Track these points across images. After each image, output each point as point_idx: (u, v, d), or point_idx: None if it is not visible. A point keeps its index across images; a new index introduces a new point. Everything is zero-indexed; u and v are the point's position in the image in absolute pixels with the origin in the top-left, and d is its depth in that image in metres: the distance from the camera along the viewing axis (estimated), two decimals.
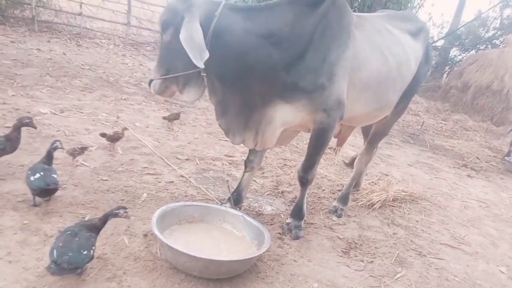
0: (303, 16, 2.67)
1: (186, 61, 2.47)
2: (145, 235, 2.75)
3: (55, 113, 4.62)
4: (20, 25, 9.42)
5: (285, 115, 2.79)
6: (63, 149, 3.16)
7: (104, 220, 2.35)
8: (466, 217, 4.52)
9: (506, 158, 7.50)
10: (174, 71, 2.65)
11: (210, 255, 2.43)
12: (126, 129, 4.19)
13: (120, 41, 10.78)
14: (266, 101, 2.74)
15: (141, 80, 7.32)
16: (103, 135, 3.99)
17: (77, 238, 2.18)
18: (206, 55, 2.36)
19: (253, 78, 2.65)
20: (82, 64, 7.34)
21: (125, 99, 5.89)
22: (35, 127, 3.40)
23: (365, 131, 4.15)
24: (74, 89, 5.73)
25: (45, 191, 2.77)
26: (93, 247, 2.23)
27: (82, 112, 4.83)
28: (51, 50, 7.87)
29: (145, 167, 3.83)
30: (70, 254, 2.12)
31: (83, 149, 3.62)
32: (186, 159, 4.27)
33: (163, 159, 4.11)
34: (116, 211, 2.36)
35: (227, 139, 3.03)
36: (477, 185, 5.93)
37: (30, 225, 2.59)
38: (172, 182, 3.68)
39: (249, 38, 2.55)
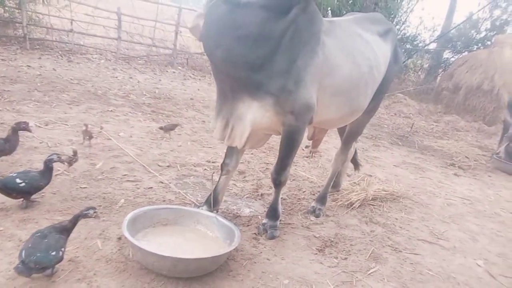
0: (272, 20, 2.76)
1: None
2: (119, 238, 2.82)
3: (39, 126, 4.71)
4: (12, 44, 9.59)
5: (254, 113, 2.85)
6: (62, 162, 3.28)
7: (74, 221, 2.43)
8: (448, 213, 4.58)
9: (494, 156, 7.54)
10: None
11: (178, 253, 2.50)
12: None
13: (112, 56, 10.92)
14: (235, 94, 2.86)
15: (129, 92, 7.42)
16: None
17: (46, 240, 2.26)
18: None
19: (219, 64, 2.82)
20: (71, 79, 7.46)
21: (111, 110, 5.99)
22: (30, 131, 3.69)
23: (341, 131, 4.22)
24: (61, 103, 5.84)
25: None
26: (62, 249, 2.30)
27: (66, 124, 4.94)
28: (41, 67, 8.01)
29: (125, 175, 3.91)
30: (38, 254, 2.19)
31: (75, 154, 3.76)
32: (168, 166, 4.35)
33: (144, 166, 4.19)
34: (85, 212, 2.46)
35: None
36: (463, 183, 5.98)
37: (5, 231, 2.67)
38: (151, 188, 3.76)
39: (219, 25, 2.69)
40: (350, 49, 3.23)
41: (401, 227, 3.94)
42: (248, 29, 2.72)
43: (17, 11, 10.01)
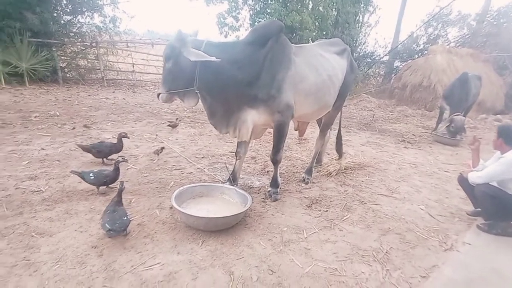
0: (256, 51, 2.81)
1: (185, 81, 2.65)
2: (171, 208, 2.90)
3: (115, 137, 4.82)
4: (94, 83, 9.80)
5: (253, 117, 2.91)
6: (127, 161, 3.36)
7: (119, 195, 2.49)
8: (399, 175, 4.51)
9: (433, 132, 7.38)
10: (176, 87, 2.68)
11: (209, 214, 2.56)
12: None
13: None
14: (239, 107, 2.87)
15: (175, 110, 7.51)
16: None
17: (116, 212, 2.35)
18: (214, 58, 2.47)
19: (227, 91, 2.76)
20: (135, 104, 7.58)
21: (163, 123, 6.07)
22: (128, 137, 4.10)
23: (318, 123, 4.20)
24: (129, 121, 5.95)
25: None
26: (127, 214, 2.40)
27: (133, 134, 5.03)
28: (115, 97, 8.16)
29: (173, 165, 3.98)
30: (118, 222, 2.29)
31: (162, 149, 4.25)
32: (202, 157, 4.40)
33: (186, 158, 4.26)
34: (121, 187, 2.52)
35: (216, 131, 3.07)
36: (410, 153, 5.86)
37: (95, 208, 2.79)
38: (192, 173, 3.82)
39: (223, 64, 2.62)
40: (313, 64, 3.21)
41: (365, 187, 3.91)
42: (244, 59, 2.74)
43: (96, 61, 10.21)
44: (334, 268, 2.30)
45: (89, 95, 8.09)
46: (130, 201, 2.96)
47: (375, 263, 2.43)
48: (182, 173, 3.77)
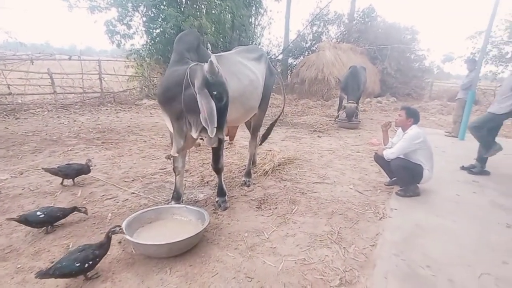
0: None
1: None
2: (119, 242, 2.64)
3: (15, 176, 4.04)
4: None
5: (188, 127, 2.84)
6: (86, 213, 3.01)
7: (107, 238, 2.26)
8: (323, 162, 5.05)
9: (336, 119, 8.42)
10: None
11: (170, 240, 2.44)
12: None
13: (52, 107, 9.55)
14: (180, 120, 2.79)
15: (78, 132, 6.64)
16: None
17: (79, 253, 2.09)
18: None
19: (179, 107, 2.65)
20: (25, 132, 6.42)
21: (70, 150, 5.33)
22: (92, 164, 4.07)
23: (248, 126, 4.37)
24: (26, 154, 5.03)
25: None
26: (90, 262, 2.11)
27: (38, 169, 4.27)
28: None
29: (103, 195, 3.58)
30: (64, 263, 2.03)
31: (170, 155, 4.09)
32: (133, 180, 4.07)
33: (114, 185, 3.88)
34: (113, 229, 2.28)
35: (175, 152, 2.92)
36: (324, 141, 6.59)
37: (23, 267, 2.31)
38: (127, 199, 3.51)
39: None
40: (233, 71, 3.32)
41: (300, 178, 4.26)
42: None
43: None
44: (302, 259, 2.49)
45: None
46: (68, 246, 2.58)
47: (333, 244, 2.72)
48: (117, 202, 3.43)
